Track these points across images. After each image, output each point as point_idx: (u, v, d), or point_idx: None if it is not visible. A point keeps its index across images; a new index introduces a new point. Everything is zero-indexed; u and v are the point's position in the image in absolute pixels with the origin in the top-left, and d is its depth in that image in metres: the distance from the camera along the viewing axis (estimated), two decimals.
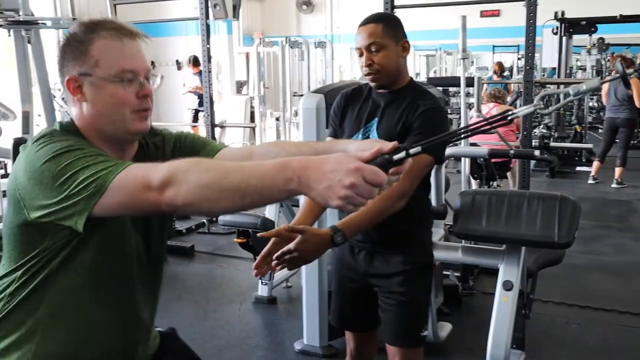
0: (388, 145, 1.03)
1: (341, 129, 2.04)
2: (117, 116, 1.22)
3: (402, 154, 1.01)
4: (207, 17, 5.34)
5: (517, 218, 2.32)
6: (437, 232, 2.75)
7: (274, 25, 14.00)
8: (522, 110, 1.15)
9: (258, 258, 1.66)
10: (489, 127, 1.16)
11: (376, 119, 1.96)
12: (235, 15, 8.41)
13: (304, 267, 2.88)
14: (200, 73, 8.51)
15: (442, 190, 2.47)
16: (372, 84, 1.96)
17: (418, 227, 2.03)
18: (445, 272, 3.59)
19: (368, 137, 1.95)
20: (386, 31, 1.91)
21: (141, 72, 1.23)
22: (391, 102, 1.95)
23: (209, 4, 6.16)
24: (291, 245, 1.63)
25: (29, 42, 3.75)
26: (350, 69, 14.44)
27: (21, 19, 3.56)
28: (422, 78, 13.58)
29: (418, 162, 1.77)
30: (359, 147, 1.10)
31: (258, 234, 1.77)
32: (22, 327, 1.20)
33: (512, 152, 2.83)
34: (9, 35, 3.72)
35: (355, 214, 1.75)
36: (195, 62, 9.49)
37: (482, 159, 3.96)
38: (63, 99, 1.23)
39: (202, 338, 3.22)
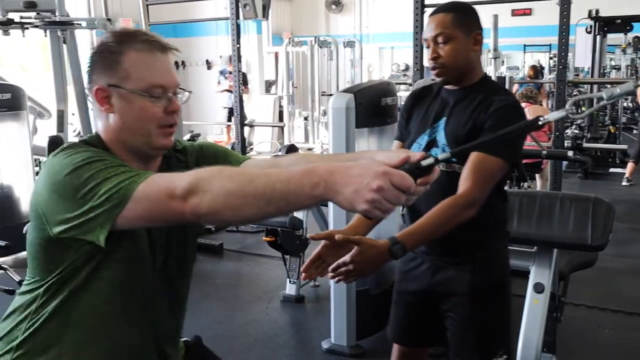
0: (416, 155, 1.01)
1: (407, 130, 1.90)
2: (143, 130, 1.21)
3: (431, 160, 0.98)
4: (238, 17, 5.37)
5: (549, 219, 2.29)
6: None
7: (302, 24, 14.03)
8: (553, 115, 1.11)
9: (307, 262, 1.59)
10: (521, 131, 1.12)
11: (444, 118, 1.80)
12: (265, 15, 8.44)
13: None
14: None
15: None
16: (437, 79, 1.80)
17: (490, 239, 1.83)
18: None
19: (435, 139, 1.80)
20: (456, 21, 1.75)
21: (170, 87, 1.21)
22: (461, 99, 1.79)
23: (240, 4, 6.22)
24: (347, 258, 1.53)
25: (64, 42, 3.82)
26: (379, 69, 14.40)
27: (57, 20, 3.63)
28: None
29: (486, 165, 1.64)
30: (387, 156, 1.06)
31: (308, 235, 1.73)
32: (47, 346, 1.20)
33: (544, 152, 2.79)
34: (45, 36, 3.80)
35: (418, 223, 1.64)
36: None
37: None
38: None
39: (229, 336, 3.25)
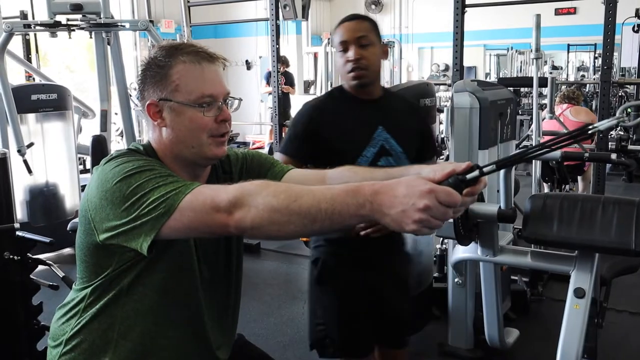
0: (461, 165, 1.02)
1: (325, 147, 1.86)
2: (195, 141, 1.21)
3: (476, 172, 0.99)
4: (278, 17, 5.41)
5: (590, 223, 2.23)
6: (505, 235, 2.69)
7: None
8: (603, 123, 1.08)
9: None
10: (570, 142, 1.09)
11: (380, 128, 1.87)
12: (305, 15, 8.48)
13: None
14: (286, 73, 8.57)
15: (511, 194, 2.41)
16: (355, 82, 1.85)
17: None
18: (513, 277, 3.50)
19: (386, 148, 1.87)
20: (373, 29, 1.86)
21: (220, 96, 1.23)
22: (388, 107, 1.89)
23: (280, 5, 6.26)
24: None
25: (108, 43, 3.91)
26: (419, 69, 14.29)
27: (102, 22, 3.72)
28: (492, 78, 13.28)
29: None
30: (433, 170, 1.07)
31: (361, 233, 1.72)
32: (92, 344, 1.23)
33: (586, 155, 2.72)
34: (91, 37, 3.90)
35: None
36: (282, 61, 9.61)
37: (554, 162, 3.83)
38: (138, 97, 1.28)
39: (266, 334, 3.28)
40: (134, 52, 9.00)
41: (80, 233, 1.19)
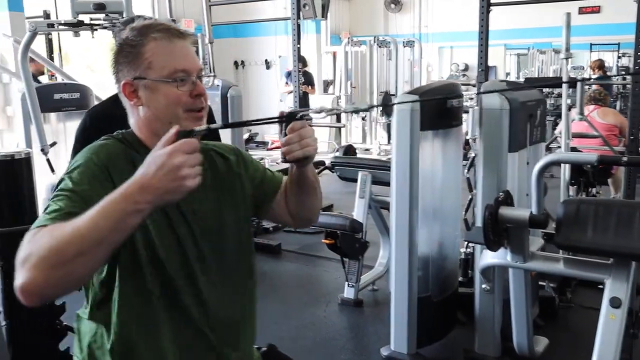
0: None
1: None
2: (171, 116, 1.21)
3: (204, 127, 1.12)
4: (299, 16, 5.38)
5: (627, 230, 2.16)
6: (535, 241, 2.62)
7: (361, 24, 13.95)
8: None
9: None
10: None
11: None
12: (324, 14, 8.43)
13: (393, 272, 2.82)
14: (305, 73, 8.55)
15: (543, 198, 2.34)
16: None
17: None
18: (540, 283, 3.42)
19: None
20: None
21: (193, 71, 1.24)
22: None
23: (300, 4, 6.22)
24: None
25: None
26: (438, 69, 14.17)
27: (120, 22, 3.69)
28: (512, 78, 13.12)
29: None
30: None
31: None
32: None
33: (624, 159, 2.63)
34: (113, 37, 3.88)
35: None
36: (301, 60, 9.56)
37: (589, 166, 3.73)
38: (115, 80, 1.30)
39: (288, 337, 3.23)
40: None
41: None
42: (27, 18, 6.10)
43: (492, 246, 2.38)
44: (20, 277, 0.95)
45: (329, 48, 12.04)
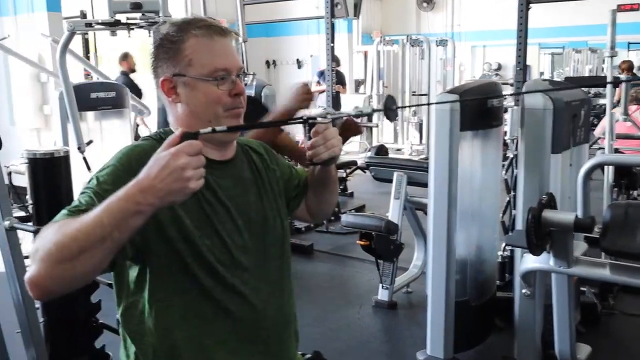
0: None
1: None
2: (210, 115, 1.20)
3: (209, 129, 1.05)
4: (333, 15, 5.35)
5: None
6: (579, 245, 2.53)
7: (393, 23, 13.87)
8: None
9: None
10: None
11: None
12: (356, 13, 8.38)
13: (430, 275, 2.77)
14: (337, 72, 8.52)
15: (589, 201, 2.26)
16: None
17: None
18: (581, 289, 3.33)
19: None
20: None
21: (233, 70, 1.22)
22: None
23: (333, 3, 6.19)
24: None
25: None
26: (471, 68, 14.00)
27: (160, 20, 3.71)
28: (546, 77, 12.89)
29: None
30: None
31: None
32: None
33: None
34: (149, 36, 3.90)
35: None
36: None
37: (639, 168, 3.60)
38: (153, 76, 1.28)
39: (322, 339, 3.20)
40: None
41: None
42: (65, 18, 6.20)
43: (535, 250, 2.31)
44: (29, 270, 0.96)
45: (361, 47, 11.98)
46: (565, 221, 2.27)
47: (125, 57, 6.99)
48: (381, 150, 6.15)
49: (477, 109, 2.72)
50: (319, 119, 1.21)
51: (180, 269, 1.16)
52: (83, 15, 6.59)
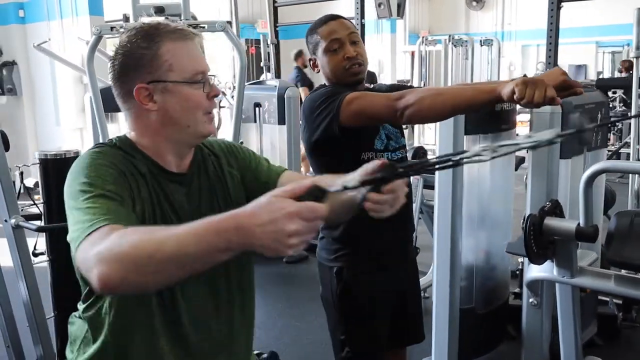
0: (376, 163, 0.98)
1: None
2: (190, 120, 1.19)
3: (339, 186, 0.92)
4: (362, 16, 5.31)
5: None
6: (588, 255, 2.43)
7: (441, 22, 13.70)
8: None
9: None
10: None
11: None
12: (400, 13, 8.31)
13: (434, 282, 2.72)
14: (368, 72, 8.50)
15: (591, 208, 2.16)
16: (356, 78, 1.91)
17: None
18: (604, 299, 3.19)
19: (385, 134, 1.97)
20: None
21: (207, 72, 1.21)
22: None
23: (375, 3, 6.16)
24: None
25: None
26: (522, 68, 13.64)
27: (181, 23, 3.79)
28: (606, 76, 12.43)
29: None
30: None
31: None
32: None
33: None
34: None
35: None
36: None
37: None
38: (115, 88, 1.21)
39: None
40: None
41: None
42: (106, 22, 6.41)
43: (535, 259, 2.23)
44: (100, 265, 0.92)
45: (407, 47, 11.87)
46: (566, 229, 2.17)
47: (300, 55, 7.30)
48: (419, 152, 6.03)
49: (484, 112, 2.64)
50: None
51: None
52: (126, 18, 6.78)
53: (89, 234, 0.99)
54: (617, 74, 11.60)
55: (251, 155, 1.40)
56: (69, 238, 1.05)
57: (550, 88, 1.51)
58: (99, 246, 0.94)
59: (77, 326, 1.27)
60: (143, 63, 1.16)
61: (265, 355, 1.49)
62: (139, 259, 0.90)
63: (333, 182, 0.93)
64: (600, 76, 12.62)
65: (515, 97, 1.49)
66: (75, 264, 1.18)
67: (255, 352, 1.44)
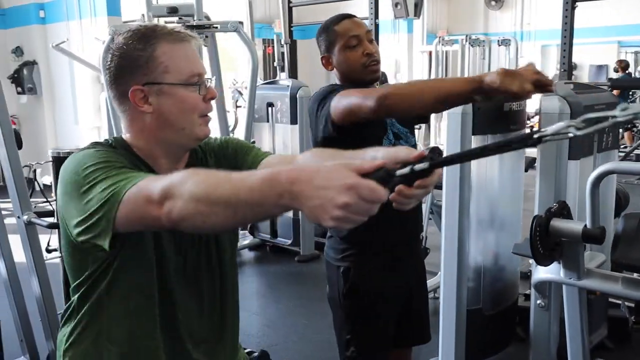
0: (413, 152, 0.93)
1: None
2: (186, 122, 1.18)
3: (407, 169, 0.86)
4: (377, 16, 5.30)
5: None
6: (597, 257, 2.41)
7: (459, 22, 13.60)
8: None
9: None
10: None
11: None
12: (417, 13, 8.27)
13: (441, 282, 2.71)
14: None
15: (598, 210, 2.15)
16: (373, 76, 1.93)
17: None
18: (616, 302, 3.16)
19: (395, 133, 1.96)
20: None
21: (203, 75, 1.20)
22: None
23: (391, 3, 6.14)
24: None
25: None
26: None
27: (194, 24, 3.83)
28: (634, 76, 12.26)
29: None
30: (387, 155, 0.97)
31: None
32: (86, 354, 1.22)
33: None
34: None
35: None
36: None
37: None
38: (108, 89, 1.20)
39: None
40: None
41: (62, 234, 1.17)
42: (124, 22, 6.49)
43: (541, 260, 2.22)
44: (169, 201, 0.93)
45: (425, 47, 11.81)
46: (572, 231, 2.16)
47: None
48: (434, 151, 6.02)
49: (493, 112, 2.63)
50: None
51: (144, 272, 1.18)
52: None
53: (135, 183, 0.99)
54: (637, 75, 11.45)
55: (238, 146, 1.37)
56: (71, 223, 1.05)
57: (528, 82, 1.66)
58: (161, 183, 0.95)
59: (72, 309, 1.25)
60: (139, 65, 1.15)
61: (256, 354, 1.49)
62: (199, 197, 0.91)
63: (393, 159, 0.94)
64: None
65: (496, 85, 1.60)
66: (67, 260, 1.20)
67: (246, 350, 1.44)
